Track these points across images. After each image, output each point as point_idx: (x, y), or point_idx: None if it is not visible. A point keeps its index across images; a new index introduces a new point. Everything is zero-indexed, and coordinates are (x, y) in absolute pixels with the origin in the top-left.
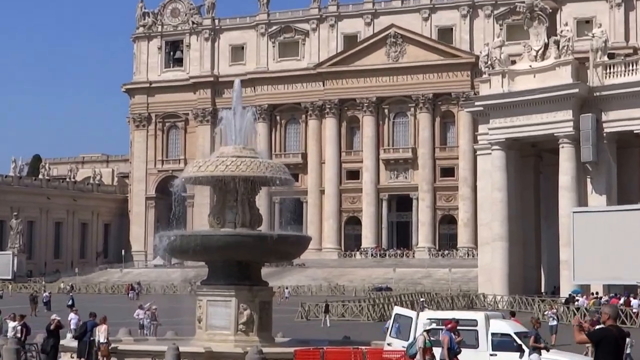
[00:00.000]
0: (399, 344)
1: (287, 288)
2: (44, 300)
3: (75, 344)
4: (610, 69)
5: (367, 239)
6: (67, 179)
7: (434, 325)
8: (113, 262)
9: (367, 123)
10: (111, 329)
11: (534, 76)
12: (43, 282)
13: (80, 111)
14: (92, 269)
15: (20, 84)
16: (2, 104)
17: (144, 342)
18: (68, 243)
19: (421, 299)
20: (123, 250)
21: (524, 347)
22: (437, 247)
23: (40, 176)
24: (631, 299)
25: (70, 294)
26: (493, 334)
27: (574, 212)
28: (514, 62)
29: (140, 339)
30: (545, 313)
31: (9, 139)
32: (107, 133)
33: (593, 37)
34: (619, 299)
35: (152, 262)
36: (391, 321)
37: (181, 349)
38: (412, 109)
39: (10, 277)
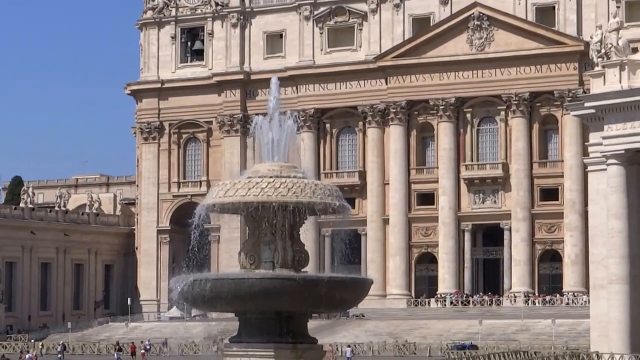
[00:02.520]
0: None
1: (348, 346)
2: None
3: None
4: None
5: (445, 282)
6: (56, 208)
7: None
8: (116, 314)
9: (444, 131)
10: None
11: None
12: (28, 341)
13: (73, 120)
14: (89, 323)
15: None
16: None
17: None
18: (58, 290)
19: None
20: (129, 299)
21: None
22: (536, 292)
23: (22, 204)
24: None
25: (59, 355)
26: None
27: None
28: (635, 50)
29: None
30: None
31: None
32: (107, 148)
33: None
34: None
35: (167, 313)
36: None
37: None
38: (503, 113)
39: None
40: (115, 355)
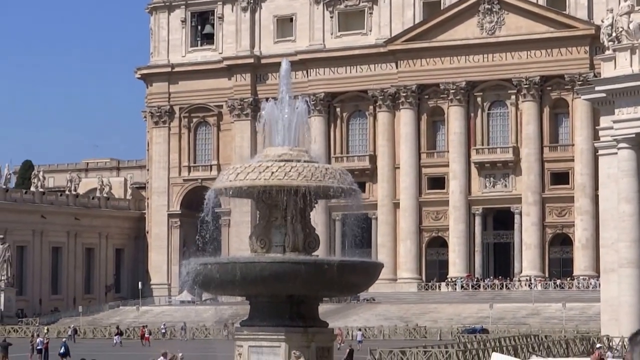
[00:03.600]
0: None
1: (359, 330)
2: (38, 348)
3: None
4: None
5: (456, 265)
6: (67, 192)
7: None
8: (127, 299)
9: (455, 115)
10: None
11: None
12: (38, 325)
13: (83, 104)
14: (100, 307)
15: (3, 71)
16: None
17: None
18: (69, 274)
19: (597, 345)
20: (140, 283)
21: None
22: (546, 276)
23: (32, 188)
24: None
25: (64, 339)
26: None
27: None
28: None
29: None
30: None
31: None
32: (118, 132)
33: None
34: None
35: (178, 297)
36: None
37: None
38: (513, 97)
39: None
40: (115, 339)
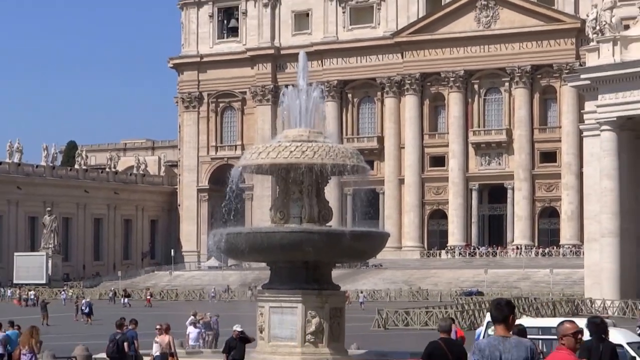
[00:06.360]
0: None
1: (361, 292)
2: (82, 309)
3: None
4: None
5: (454, 235)
6: (107, 169)
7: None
8: (161, 264)
9: (454, 101)
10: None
11: None
12: (64, 289)
13: (121, 91)
14: (137, 272)
15: (51, 62)
16: (32, 85)
17: (198, 355)
18: (109, 242)
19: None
20: (172, 250)
21: (638, 359)
22: (536, 245)
23: (76, 166)
24: None
25: (86, 299)
26: None
27: None
28: (627, 27)
29: (193, 352)
30: None
31: (40, 124)
32: (153, 115)
33: None
34: None
35: (206, 263)
36: (483, 329)
37: None
38: (507, 84)
39: (44, 282)
40: (123, 301)
